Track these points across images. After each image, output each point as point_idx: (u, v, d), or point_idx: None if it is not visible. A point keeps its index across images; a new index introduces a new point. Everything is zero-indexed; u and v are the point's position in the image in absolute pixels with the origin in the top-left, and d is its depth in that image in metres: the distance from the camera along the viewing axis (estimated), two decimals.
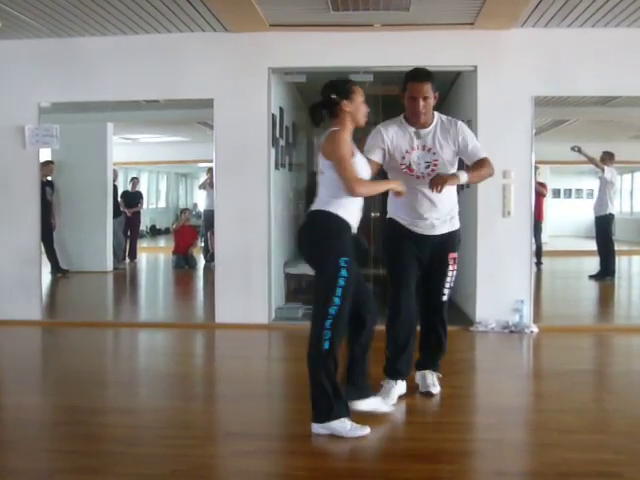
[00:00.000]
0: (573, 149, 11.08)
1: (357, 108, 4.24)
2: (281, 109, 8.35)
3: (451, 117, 4.86)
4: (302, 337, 4.47)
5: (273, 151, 7.71)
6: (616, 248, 11.73)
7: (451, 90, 9.47)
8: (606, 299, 10.36)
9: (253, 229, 7.52)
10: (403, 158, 4.69)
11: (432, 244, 4.78)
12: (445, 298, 4.90)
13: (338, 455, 3.85)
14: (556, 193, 21.64)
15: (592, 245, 12.05)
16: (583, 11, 6.62)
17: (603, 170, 11.28)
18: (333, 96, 4.21)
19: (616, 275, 11.69)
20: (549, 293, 10.87)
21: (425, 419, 4.49)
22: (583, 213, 14.85)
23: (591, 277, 11.26)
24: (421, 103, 4.58)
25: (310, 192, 12.30)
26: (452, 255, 4.83)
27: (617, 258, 11.84)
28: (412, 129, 4.70)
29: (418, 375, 5.03)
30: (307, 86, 8.80)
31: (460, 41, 7.24)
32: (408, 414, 4.48)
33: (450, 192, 4.75)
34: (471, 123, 7.57)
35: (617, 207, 14.70)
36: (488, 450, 4.09)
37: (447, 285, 4.86)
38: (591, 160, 11.36)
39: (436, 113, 4.77)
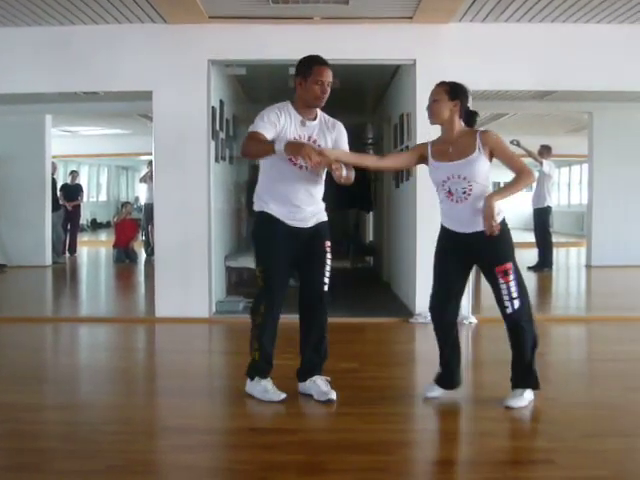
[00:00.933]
0: (512, 142, 11.21)
1: None
2: (221, 102, 8.31)
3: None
4: (243, 330, 4.46)
5: (213, 144, 7.67)
6: (554, 240, 11.98)
7: (390, 84, 9.54)
8: (544, 290, 10.53)
9: (193, 222, 7.45)
10: None
11: (306, 237, 4.63)
12: (327, 288, 4.71)
13: (276, 448, 3.84)
14: (495, 186, 22.00)
15: (530, 237, 12.27)
16: (520, 6, 6.72)
17: (541, 163, 11.51)
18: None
19: (554, 266, 11.94)
20: (488, 285, 11.00)
21: (361, 410, 4.46)
22: (522, 206, 15.07)
23: (529, 268, 11.45)
24: (324, 89, 4.50)
25: (252, 185, 12.38)
26: (328, 243, 4.71)
27: (555, 250, 12.08)
28: (299, 117, 4.57)
29: (308, 383, 4.70)
30: (247, 78, 8.80)
31: (399, 35, 7.27)
32: (344, 405, 4.48)
33: (322, 185, 4.68)
34: (410, 116, 7.65)
35: (555, 200, 15.00)
36: (425, 440, 4.14)
37: (327, 274, 4.70)
38: (529, 153, 11.57)
39: (319, 110, 4.68)
